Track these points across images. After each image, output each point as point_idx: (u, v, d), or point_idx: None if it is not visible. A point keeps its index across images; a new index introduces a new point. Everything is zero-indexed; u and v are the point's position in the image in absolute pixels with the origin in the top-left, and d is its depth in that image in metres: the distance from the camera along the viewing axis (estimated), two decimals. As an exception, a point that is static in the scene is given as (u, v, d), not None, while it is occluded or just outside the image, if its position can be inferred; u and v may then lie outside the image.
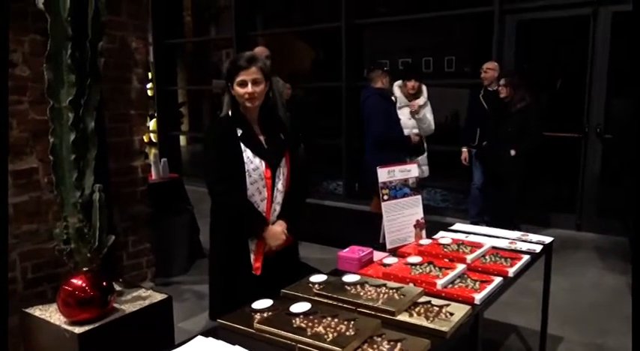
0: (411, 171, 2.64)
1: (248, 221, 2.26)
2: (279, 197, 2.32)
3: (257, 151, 2.27)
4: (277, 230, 2.29)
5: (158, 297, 2.56)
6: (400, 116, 4.77)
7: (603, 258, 4.63)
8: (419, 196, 2.65)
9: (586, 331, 3.32)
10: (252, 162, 2.25)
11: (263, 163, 2.27)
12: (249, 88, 2.24)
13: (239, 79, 2.24)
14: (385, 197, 2.53)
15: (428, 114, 4.90)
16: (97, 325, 2.26)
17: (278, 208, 2.33)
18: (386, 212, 2.51)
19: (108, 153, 2.93)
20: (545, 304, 2.85)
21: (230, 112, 2.33)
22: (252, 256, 2.30)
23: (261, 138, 2.31)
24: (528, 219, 5.29)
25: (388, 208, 2.52)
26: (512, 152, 4.71)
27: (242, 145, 2.25)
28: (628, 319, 3.38)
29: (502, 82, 4.73)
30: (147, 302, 2.50)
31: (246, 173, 2.23)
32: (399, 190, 2.58)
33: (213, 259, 2.41)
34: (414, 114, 4.84)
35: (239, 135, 2.26)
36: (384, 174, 2.54)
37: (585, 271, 4.35)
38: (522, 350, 3.10)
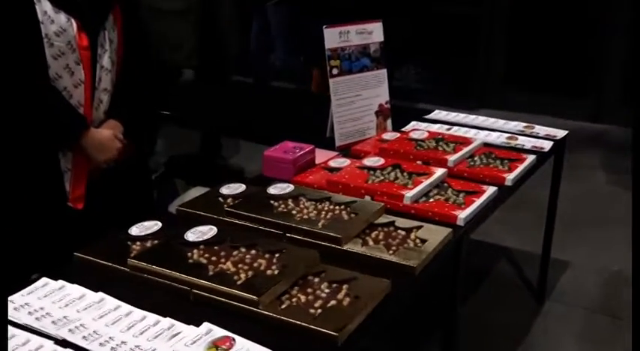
0: (374, 33, 2.51)
1: (54, 123, 1.95)
2: (106, 80, 2.02)
3: (61, 2, 1.89)
4: (105, 135, 2.01)
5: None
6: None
7: (621, 157, 4.63)
8: (384, 71, 2.55)
9: (598, 254, 3.37)
10: (54, 21, 1.87)
11: (73, 22, 1.91)
12: None
13: None
14: (334, 71, 2.39)
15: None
16: None
17: (106, 98, 2.05)
18: (335, 93, 2.39)
19: None
20: (551, 219, 2.88)
21: None
22: (67, 182, 2.01)
23: None
24: (531, 105, 5.20)
25: (338, 88, 2.40)
26: None
27: None
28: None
29: None
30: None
31: (44, 40, 1.86)
32: (355, 62, 2.45)
33: None
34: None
35: None
36: (333, 37, 2.38)
37: (597, 175, 4.40)
38: (517, 279, 3.14)
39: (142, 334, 1.33)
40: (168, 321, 1.36)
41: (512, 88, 5.78)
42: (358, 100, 2.45)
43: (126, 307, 1.42)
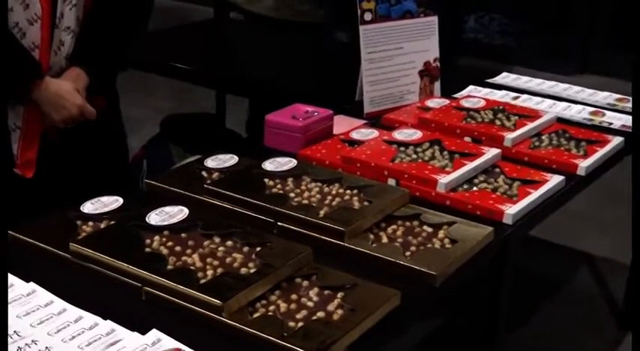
0: (423, -34, 2.54)
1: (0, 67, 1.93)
2: (69, 16, 2.01)
3: None
4: (63, 88, 1.99)
5: None
6: None
7: None
8: (434, 18, 2.54)
9: None
10: None
11: None
12: None
13: None
14: (367, 16, 2.38)
15: None
16: None
17: (69, 39, 2.04)
18: (366, 45, 2.38)
19: None
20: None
21: None
22: (14, 143, 2.02)
23: None
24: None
25: (371, 38, 2.39)
26: None
27: None
28: None
29: None
30: None
31: None
32: (395, 5, 2.45)
33: None
34: None
35: None
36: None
37: None
38: (597, 296, 3.11)
39: (72, 339, 1.31)
40: (108, 325, 1.35)
41: (621, 50, 5.67)
42: (397, 55, 2.44)
43: (59, 304, 1.40)
